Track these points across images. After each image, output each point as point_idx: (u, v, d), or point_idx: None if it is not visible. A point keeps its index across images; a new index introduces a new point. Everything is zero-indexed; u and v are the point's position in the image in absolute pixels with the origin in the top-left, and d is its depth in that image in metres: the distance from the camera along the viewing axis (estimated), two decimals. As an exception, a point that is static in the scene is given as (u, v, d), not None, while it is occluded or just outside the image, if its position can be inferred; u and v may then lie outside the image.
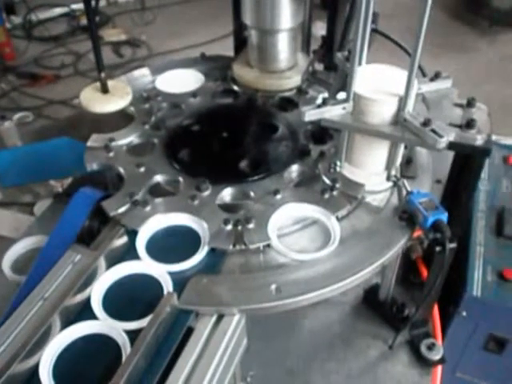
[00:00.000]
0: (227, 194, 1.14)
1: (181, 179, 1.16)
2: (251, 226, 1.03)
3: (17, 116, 3.08)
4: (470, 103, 1.09)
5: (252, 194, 1.12)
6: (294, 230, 1.07)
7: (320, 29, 1.61)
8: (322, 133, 1.27)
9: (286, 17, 1.35)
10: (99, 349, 0.86)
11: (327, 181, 1.12)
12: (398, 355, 1.14)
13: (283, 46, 1.42)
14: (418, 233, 1.04)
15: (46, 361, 0.83)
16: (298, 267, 0.97)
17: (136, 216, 1.06)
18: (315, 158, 1.20)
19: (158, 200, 1.10)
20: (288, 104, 1.44)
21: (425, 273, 1.24)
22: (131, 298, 0.94)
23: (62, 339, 0.86)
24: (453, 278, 1.13)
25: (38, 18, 4.29)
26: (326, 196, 1.10)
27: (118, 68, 3.66)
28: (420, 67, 1.35)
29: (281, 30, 1.38)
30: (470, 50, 3.97)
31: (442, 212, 0.98)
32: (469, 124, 1.00)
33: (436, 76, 1.15)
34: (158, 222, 1.06)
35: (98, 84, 1.34)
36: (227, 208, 1.10)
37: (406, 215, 1.03)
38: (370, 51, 1.12)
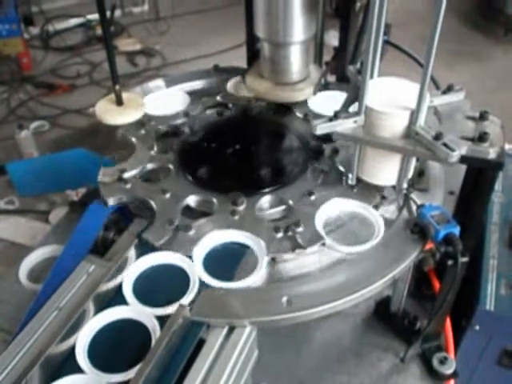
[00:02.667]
0: (265, 201, 1.15)
1: (213, 198, 1.15)
2: (300, 229, 1.04)
3: (33, 125, 3.16)
4: (483, 116, 1.09)
5: (289, 198, 1.14)
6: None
7: (333, 37, 1.62)
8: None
9: (299, 30, 1.37)
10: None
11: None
12: (409, 368, 1.13)
13: (295, 58, 1.43)
14: (430, 245, 1.04)
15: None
16: (309, 280, 0.98)
17: (183, 241, 1.05)
18: (330, 155, 1.24)
19: (200, 222, 1.09)
20: (282, 108, 1.47)
21: (437, 285, 1.23)
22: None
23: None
24: (466, 291, 1.12)
25: (55, 29, 4.36)
26: (355, 190, 1.14)
27: (133, 77, 3.70)
28: (433, 79, 1.36)
29: (293, 42, 1.40)
30: (485, 59, 3.94)
31: (454, 225, 0.97)
32: (481, 137, 1.00)
33: (448, 89, 1.15)
34: (212, 239, 1.05)
35: (112, 96, 1.37)
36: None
37: (418, 228, 1.03)
38: (382, 62, 1.13)
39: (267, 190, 1.17)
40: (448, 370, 1.10)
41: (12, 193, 2.38)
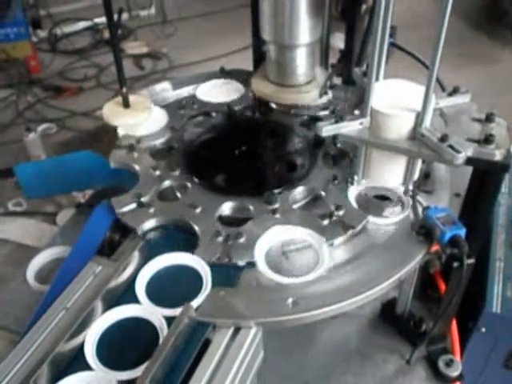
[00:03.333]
0: (297, 194, 1.17)
1: (247, 202, 1.14)
2: (342, 212, 1.08)
3: (41, 127, 3.18)
4: (489, 118, 1.09)
5: (317, 186, 1.17)
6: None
7: (339, 40, 1.62)
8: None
9: (305, 32, 1.37)
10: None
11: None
12: (415, 370, 1.13)
13: (301, 60, 1.43)
14: (436, 247, 1.04)
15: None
16: (314, 280, 0.98)
17: (238, 249, 1.03)
18: (331, 140, 1.27)
19: (247, 226, 1.08)
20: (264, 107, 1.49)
21: (443, 287, 1.22)
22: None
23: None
24: (472, 293, 1.12)
25: (63, 32, 4.39)
26: None
27: (139, 80, 3.73)
28: (439, 81, 1.36)
29: (299, 45, 1.40)
30: (492, 61, 3.93)
31: (460, 227, 0.97)
32: (487, 139, 1.00)
33: (454, 91, 1.15)
34: (275, 234, 1.06)
35: (119, 98, 1.37)
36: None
37: (424, 230, 1.03)
38: (389, 64, 1.13)
39: (294, 183, 1.19)
40: (454, 372, 1.10)
41: (20, 195, 2.40)
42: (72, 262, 1.03)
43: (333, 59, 1.60)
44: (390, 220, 1.09)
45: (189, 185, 1.21)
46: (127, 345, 0.90)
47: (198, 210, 1.12)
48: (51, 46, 4.31)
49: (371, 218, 1.08)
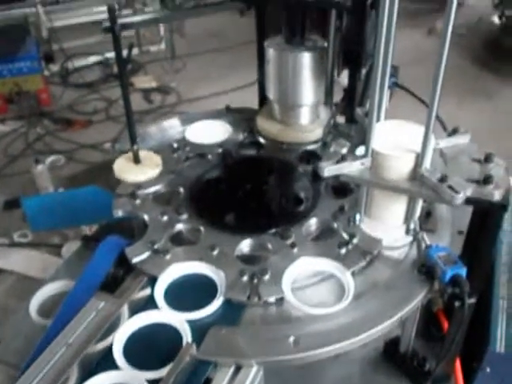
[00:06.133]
0: (311, 225, 1.22)
1: (263, 240, 1.17)
2: (356, 239, 1.13)
3: (49, 159, 3.22)
4: (488, 158, 1.10)
5: (329, 217, 1.22)
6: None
7: (345, 77, 1.66)
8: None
9: (308, 94, 1.46)
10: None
11: None
12: (419, 411, 1.11)
13: (305, 115, 1.52)
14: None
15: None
16: (316, 319, 0.98)
17: (266, 286, 1.04)
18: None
19: (270, 262, 1.10)
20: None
21: (446, 326, 1.22)
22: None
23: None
24: (476, 332, 1.11)
25: (74, 66, 4.49)
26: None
27: (148, 114, 3.79)
28: (440, 121, 1.38)
29: (303, 105, 1.49)
30: (495, 99, 3.97)
31: (461, 266, 0.98)
32: (486, 179, 1.02)
33: (454, 131, 1.17)
34: (298, 267, 1.09)
35: (130, 154, 1.39)
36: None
37: (425, 269, 1.03)
38: (391, 102, 1.15)
39: (306, 216, 1.22)
40: (458, 413, 1.09)
41: (26, 226, 2.41)
42: (75, 297, 1.04)
43: (338, 95, 1.62)
44: (402, 242, 1.13)
45: (201, 228, 1.20)
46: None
47: (216, 252, 1.12)
48: (62, 79, 4.40)
49: (385, 242, 1.13)
